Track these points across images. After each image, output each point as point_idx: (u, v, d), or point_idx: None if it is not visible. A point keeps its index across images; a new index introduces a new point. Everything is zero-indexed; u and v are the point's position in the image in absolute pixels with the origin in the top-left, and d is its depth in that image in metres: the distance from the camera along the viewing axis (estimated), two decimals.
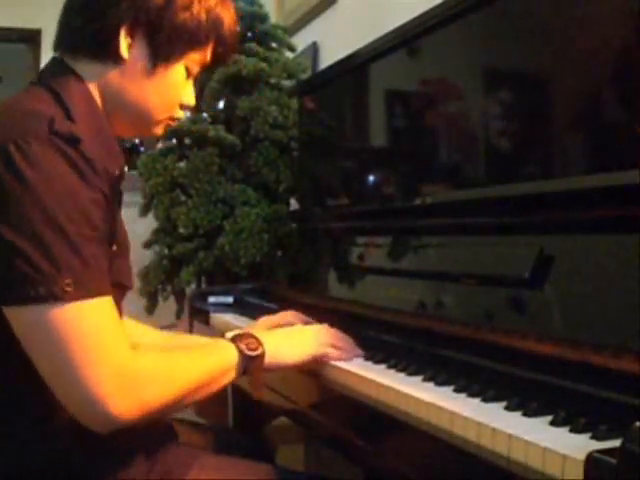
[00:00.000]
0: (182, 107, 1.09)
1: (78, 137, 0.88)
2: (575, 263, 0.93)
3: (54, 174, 0.85)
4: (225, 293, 1.81)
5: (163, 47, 1.00)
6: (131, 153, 2.97)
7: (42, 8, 4.98)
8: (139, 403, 0.85)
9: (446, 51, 1.32)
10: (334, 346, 1.11)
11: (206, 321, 1.73)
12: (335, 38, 2.65)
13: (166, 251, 2.15)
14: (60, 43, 1.03)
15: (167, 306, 2.20)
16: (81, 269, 0.84)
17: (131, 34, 0.99)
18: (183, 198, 2.09)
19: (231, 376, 1.00)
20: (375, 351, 1.11)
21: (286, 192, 2.09)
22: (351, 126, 1.76)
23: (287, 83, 2.12)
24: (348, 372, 1.03)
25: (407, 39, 1.40)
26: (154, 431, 1.03)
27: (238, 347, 1.01)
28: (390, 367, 1.03)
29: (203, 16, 1.02)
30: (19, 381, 0.92)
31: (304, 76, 2.19)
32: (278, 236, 1.98)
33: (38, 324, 0.83)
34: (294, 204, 2.11)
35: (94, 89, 1.00)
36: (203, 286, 2.17)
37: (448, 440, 0.81)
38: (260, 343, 1.03)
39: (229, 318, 1.62)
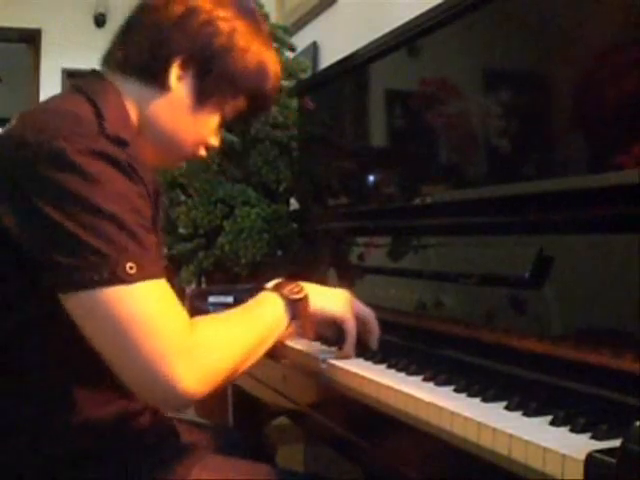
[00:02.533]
0: (207, 148, 1.12)
1: (125, 140, 0.91)
2: (575, 263, 0.93)
3: (102, 169, 0.86)
4: (225, 293, 1.80)
5: (209, 88, 1.04)
6: None
7: (42, 8, 4.99)
8: (205, 375, 0.86)
9: (446, 51, 1.32)
10: (362, 319, 1.11)
11: None
12: (335, 38, 2.65)
13: (166, 251, 2.15)
14: (109, 59, 1.06)
15: None
16: (140, 253, 0.86)
17: (184, 67, 1.02)
18: (183, 198, 2.09)
19: (283, 325, 1.01)
20: (375, 351, 1.11)
21: (286, 192, 2.09)
22: (351, 126, 1.76)
23: (287, 83, 2.12)
24: (348, 372, 1.03)
25: (407, 39, 1.40)
26: (156, 430, 1.03)
27: (281, 293, 1.02)
28: (390, 367, 1.03)
29: (253, 68, 1.06)
30: (40, 379, 0.93)
31: (304, 76, 2.19)
32: (278, 236, 1.98)
33: (102, 308, 0.83)
34: (294, 204, 2.11)
35: (131, 105, 1.02)
36: (203, 286, 2.17)
37: (448, 440, 0.80)
38: (301, 287, 1.05)
39: None
